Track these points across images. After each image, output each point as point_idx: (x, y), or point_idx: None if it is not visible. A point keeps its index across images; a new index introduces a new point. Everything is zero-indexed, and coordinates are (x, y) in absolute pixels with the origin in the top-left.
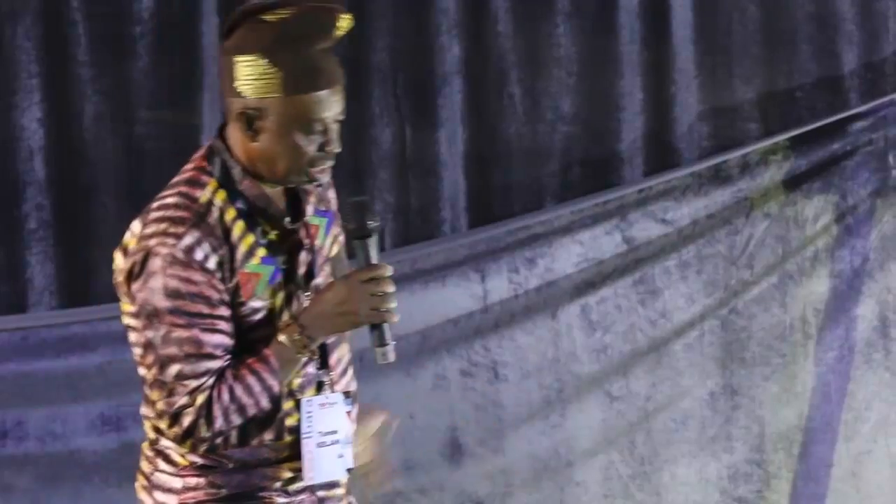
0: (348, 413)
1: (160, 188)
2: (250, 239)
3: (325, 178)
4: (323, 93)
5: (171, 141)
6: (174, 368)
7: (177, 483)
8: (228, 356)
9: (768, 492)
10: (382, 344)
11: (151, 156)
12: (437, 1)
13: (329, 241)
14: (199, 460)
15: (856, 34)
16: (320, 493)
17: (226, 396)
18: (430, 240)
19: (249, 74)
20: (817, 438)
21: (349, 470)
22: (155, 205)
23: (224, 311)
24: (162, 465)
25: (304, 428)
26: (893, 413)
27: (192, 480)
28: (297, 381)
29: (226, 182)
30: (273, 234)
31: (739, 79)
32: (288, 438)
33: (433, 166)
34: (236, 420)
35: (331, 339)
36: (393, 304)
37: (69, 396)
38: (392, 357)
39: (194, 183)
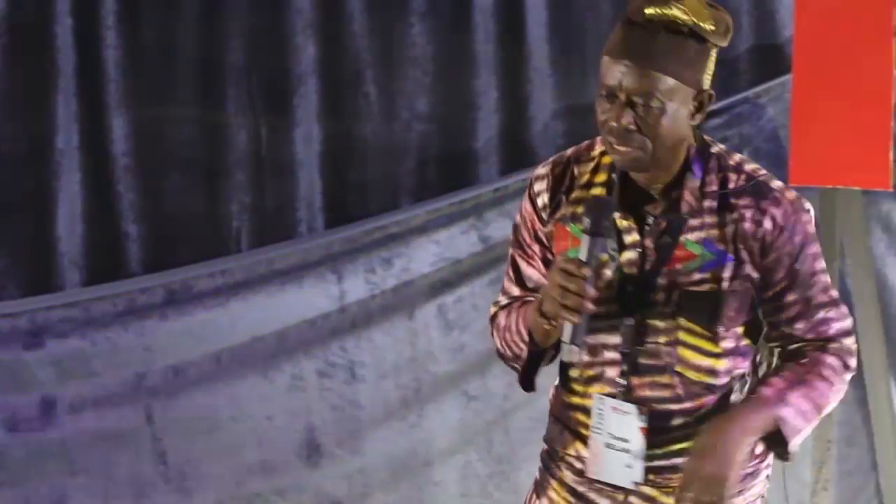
0: (642, 429)
1: (17, 189)
2: None
3: (619, 157)
4: (608, 58)
5: (26, 142)
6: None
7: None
8: (532, 290)
9: None
10: (570, 341)
11: (6, 158)
12: (293, 1)
13: (704, 275)
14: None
15: None
16: (614, 493)
17: (501, 320)
18: (287, 240)
19: None
20: None
21: (637, 484)
22: None
23: (537, 249)
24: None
25: (594, 421)
26: None
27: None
28: (589, 372)
29: None
30: (625, 219)
31: (595, 77)
32: (580, 417)
33: (289, 166)
34: (514, 346)
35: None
36: (572, 303)
37: None
38: (569, 357)
39: None
